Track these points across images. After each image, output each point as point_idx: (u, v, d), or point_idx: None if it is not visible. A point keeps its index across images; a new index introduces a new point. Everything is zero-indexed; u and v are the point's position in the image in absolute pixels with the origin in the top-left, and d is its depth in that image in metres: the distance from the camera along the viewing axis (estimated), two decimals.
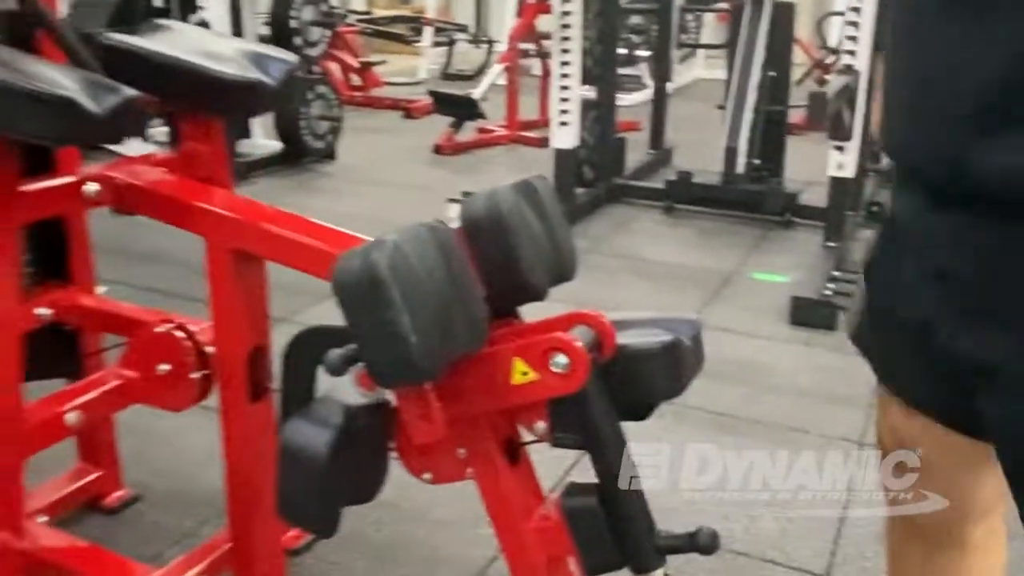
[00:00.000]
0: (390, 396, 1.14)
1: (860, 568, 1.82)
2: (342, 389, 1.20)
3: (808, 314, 3.01)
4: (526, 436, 1.19)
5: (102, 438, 1.92)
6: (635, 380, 1.13)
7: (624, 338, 1.14)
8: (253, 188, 4.63)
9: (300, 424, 1.14)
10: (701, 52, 9.00)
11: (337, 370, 1.09)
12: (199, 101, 1.40)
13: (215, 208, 1.28)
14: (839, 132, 3.30)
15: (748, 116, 4.12)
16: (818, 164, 4.96)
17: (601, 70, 4.51)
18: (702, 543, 1.10)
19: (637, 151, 5.14)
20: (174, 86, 1.38)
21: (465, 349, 1.07)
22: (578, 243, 1.18)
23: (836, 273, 3.34)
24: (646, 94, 7.18)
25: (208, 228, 1.27)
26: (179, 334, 1.41)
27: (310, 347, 1.17)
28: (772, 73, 4.19)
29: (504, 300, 1.16)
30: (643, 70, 7.86)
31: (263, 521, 1.48)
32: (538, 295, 1.17)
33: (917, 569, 1.15)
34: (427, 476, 1.22)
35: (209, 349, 1.40)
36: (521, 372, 1.09)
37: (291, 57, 1.46)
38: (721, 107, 4.40)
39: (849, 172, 3.42)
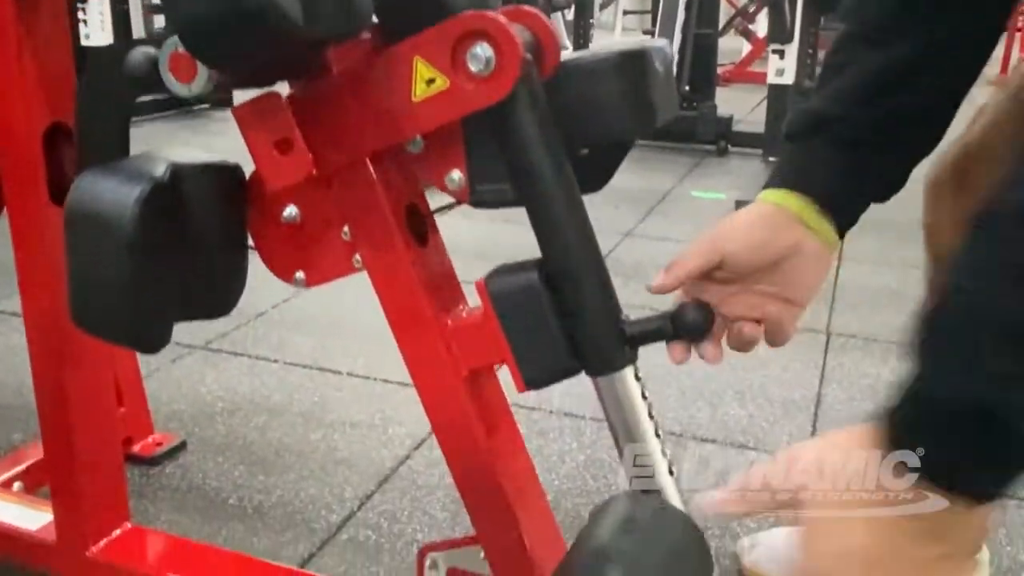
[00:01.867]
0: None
1: None
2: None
3: None
4: (435, 203, 0.85)
5: None
6: (589, 109, 0.80)
7: (573, 58, 0.82)
8: (136, 131, 4.17)
9: (96, 180, 0.77)
10: (619, 22, 8.82)
11: (142, 68, 0.73)
12: None
13: None
14: (780, 32, 3.05)
15: (677, 37, 3.85)
16: (744, 107, 4.78)
17: None
18: (689, 322, 0.76)
19: None
20: None
21: (335, 28, 0.71)
22: None
23: None
24: (564, 55, 6.92)
25: None
26: None
27: (118, 70, 0.80)
28: None
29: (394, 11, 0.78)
30: (559, 29, 7.63)
31: (84, 404, 1.07)
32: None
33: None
34: (299, 275, 0.87)
35: None
36: (425, 80, 0.74)
37: None
38: (648, 32, 4.12)
39: (789, 78, 3.17)
